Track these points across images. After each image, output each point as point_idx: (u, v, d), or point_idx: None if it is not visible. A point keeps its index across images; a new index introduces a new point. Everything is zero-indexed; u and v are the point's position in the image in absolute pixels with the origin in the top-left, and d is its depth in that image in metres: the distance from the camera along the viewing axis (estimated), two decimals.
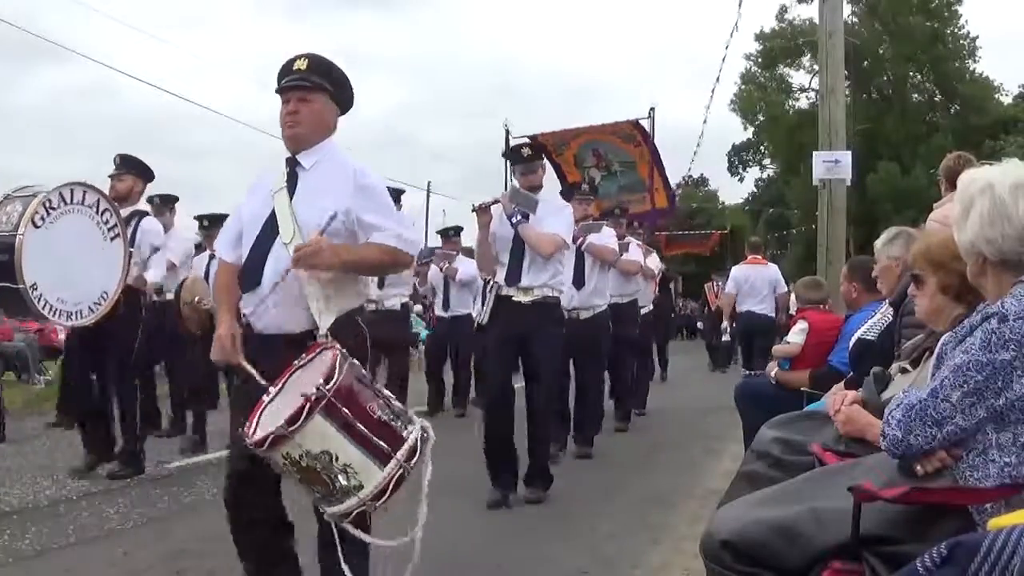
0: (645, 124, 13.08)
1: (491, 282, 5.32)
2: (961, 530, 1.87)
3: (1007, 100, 33.79)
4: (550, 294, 5.05)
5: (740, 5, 13.10)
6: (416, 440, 2.65)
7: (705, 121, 19.63)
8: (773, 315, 9.60)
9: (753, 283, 9.64)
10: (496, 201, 5.09)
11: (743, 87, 35.74)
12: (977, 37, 32.74)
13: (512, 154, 5.61)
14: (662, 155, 13.13)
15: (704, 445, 7.14)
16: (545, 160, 5.50)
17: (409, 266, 3.72)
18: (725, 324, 14.02)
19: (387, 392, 2.77)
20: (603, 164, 13.25)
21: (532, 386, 5.13)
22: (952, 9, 32.37)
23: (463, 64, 73.91)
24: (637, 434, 7.78)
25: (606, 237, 6.86)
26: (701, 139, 18.33)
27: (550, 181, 6.45)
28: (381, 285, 7.46)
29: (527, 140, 11.71)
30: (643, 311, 8.57)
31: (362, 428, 2.54)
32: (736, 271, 10.22)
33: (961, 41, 32.78)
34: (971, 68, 32.97)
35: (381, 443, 2.57)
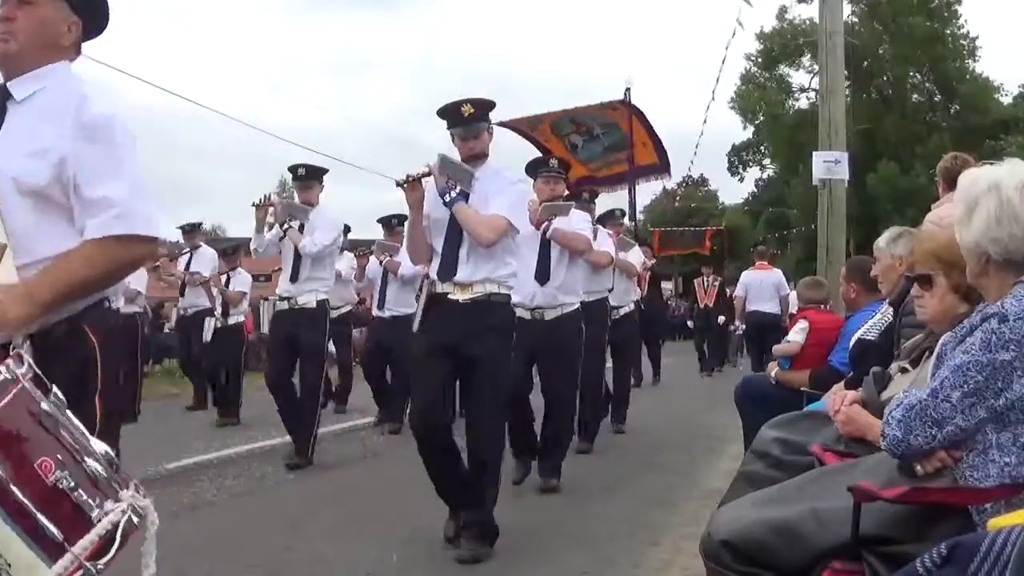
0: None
1: (425, 277, 4.51)
2: (961, 530, 1.87)
3: (1007, 100, 33.79)
4: (495, 291, 4.04)
5: (740, 13, 12.23)
6: (114, 526, 1.75)
7: (705, 121, 19.57)
8: (779, 313, 10.84)
9: (760, 286, 10.85)
10: (428, 173, 4.07)
11: (743, 87, 35.73)
12: (977, 37, 32.75)
13: (448, 114, 4.16)
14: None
15: (704, 445, 7.14)
16: (492, 124, 4.30)
17: (148, 257, 2.66)
18: (723, 319, 14.15)
19: (92, 442, 1.76)
20: (584, 129, 12.26)
21: (470, 413, 4.17)
22: (952, 9, 32.35)
23: (463, 64, 73.89)
24: (637, 434, 7.78)
25: (576, 221, 5.70)
26: (700, 139, 18.17)
27: (512, 152, 5.92)
28: (295, 278, 6.25)
29: (499, 125, 11.43)
30: (622, 311, 7.66)
31: (18, 496, 1.64)
32: (745, 275, 11.53)
33: (961, 41, 32.76)
34: (971, 68, 32.95)
35: (49, 525, 1.66)
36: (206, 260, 9.16)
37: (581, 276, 5.90)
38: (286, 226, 6.25)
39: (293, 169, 6.55)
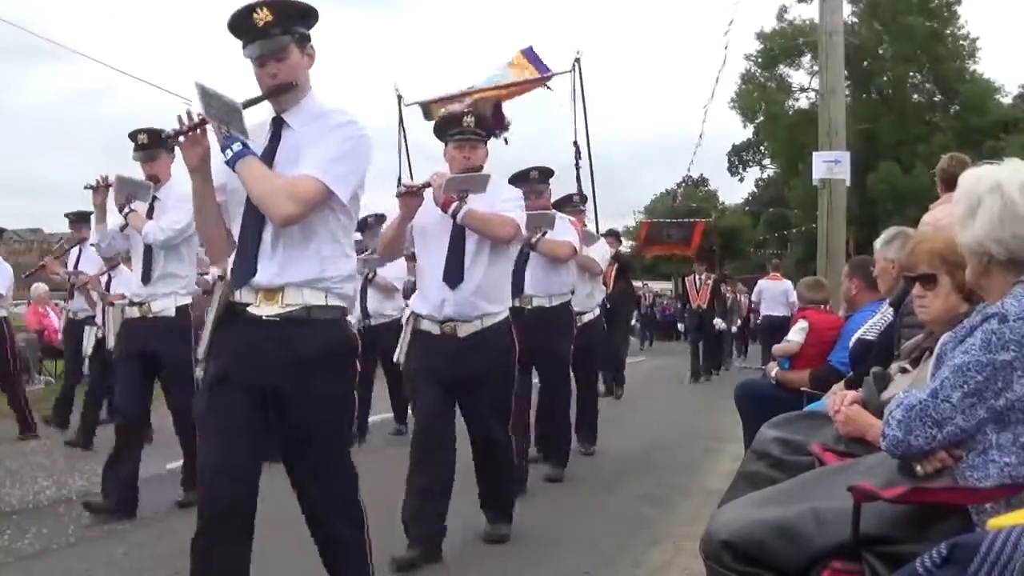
0: (569, 78, 10.25)
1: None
2: (961, 530, 1.87)
3: (1007, 100, 33.82)
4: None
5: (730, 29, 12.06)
6: None
7: (704, 121, 19.60)
8: (789, 316, 11.43)
9: (773, 293, 13.16)
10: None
11: (743, 87, 35.74)
12: (977, 38, 32.80)
13: (237, 29, 2.64)
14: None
15: (704, 445, 7.14)
16: (308, 44, 2.88)
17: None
18: (717, 320, 13.67)
19: None
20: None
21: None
22: (952, 9, 32.38)
23: (463, 64, 73.86)
24: (637, 434, 7.78)
25: (563, 232, 5.53)
26: (700, 139, 18.05)
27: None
28: (147, 277, 4.84)
29: (417, 105, 10.48)
30: (585, 318, 6.43)
31: None
32: (760, 284, 13.94)
33: (961, 41, 32.78)
34: (971, 68, 32.98)
35: None
36: (96, 257, 7.04)
37: (539, 275, 5.44)
38: (126, 210, 4.83)
39: (133, 136, 4.92)
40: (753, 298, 14.61)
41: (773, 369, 5.12)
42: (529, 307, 5.44)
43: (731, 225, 43.68)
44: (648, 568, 3.88)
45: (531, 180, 5.33)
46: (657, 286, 31.80)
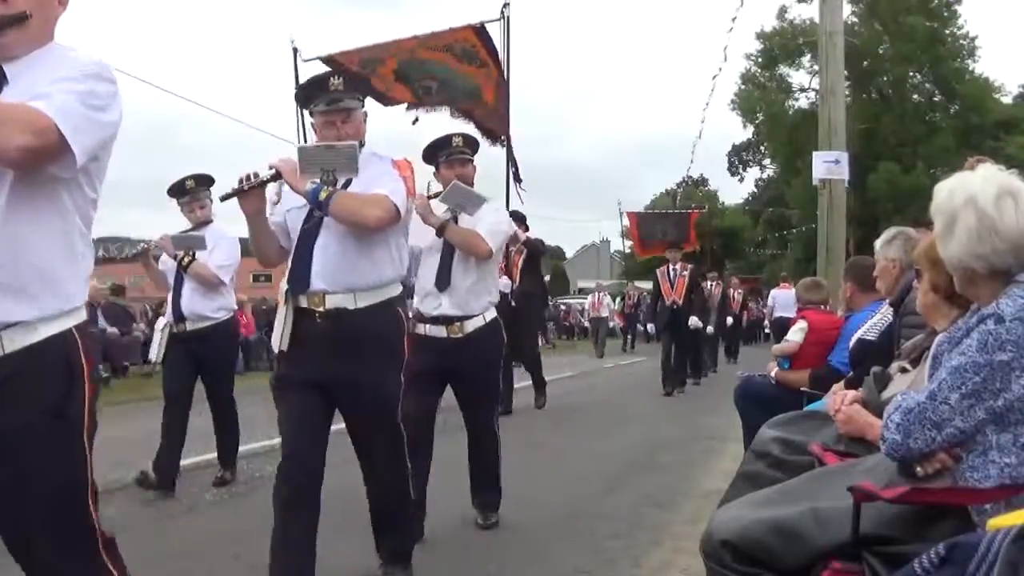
0: (494, 29, 8.55)
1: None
2: (960, 530, 1.87)
3: (1007, 100, 33.84)
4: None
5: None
6: None
7: (703, 121, 19.56)
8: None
9: (783, 301, 14.95)
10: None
11: (743, 87, 35.77)
12: (977, 37, 32.83)
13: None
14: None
15: (704, 445, 7.14)
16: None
17: None
18: (694, 320, 11.52)
19: None
20: (439, 77, 9.17)
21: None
22: (952, 9, 32.41)
23: None
24: (637, 434, 7.79)
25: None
26: (699, 139, 17.89)
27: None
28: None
29: (319, 59, 8.73)
30: (470, 325, 4.44)
31: None
32: (773, 292, 16.56)
33: (961, 41, 32.81)
34: (971, 68, 33.01)
35: None
36: None
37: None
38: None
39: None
40: (768, 303, 17.00)
41: (773, 369, 5.12)
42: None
43: (731, 225, 43.73)
44: (648, 568, 3.87)
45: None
46: (644, 285, 31.34)
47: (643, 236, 19.96)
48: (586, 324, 27.94)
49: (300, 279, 3.17)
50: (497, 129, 8.76)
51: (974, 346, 1.88)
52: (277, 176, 3.23)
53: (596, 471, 6.04)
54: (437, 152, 4.34)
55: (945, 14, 32.25)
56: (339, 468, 4.05)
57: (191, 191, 5.53)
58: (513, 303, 8.03)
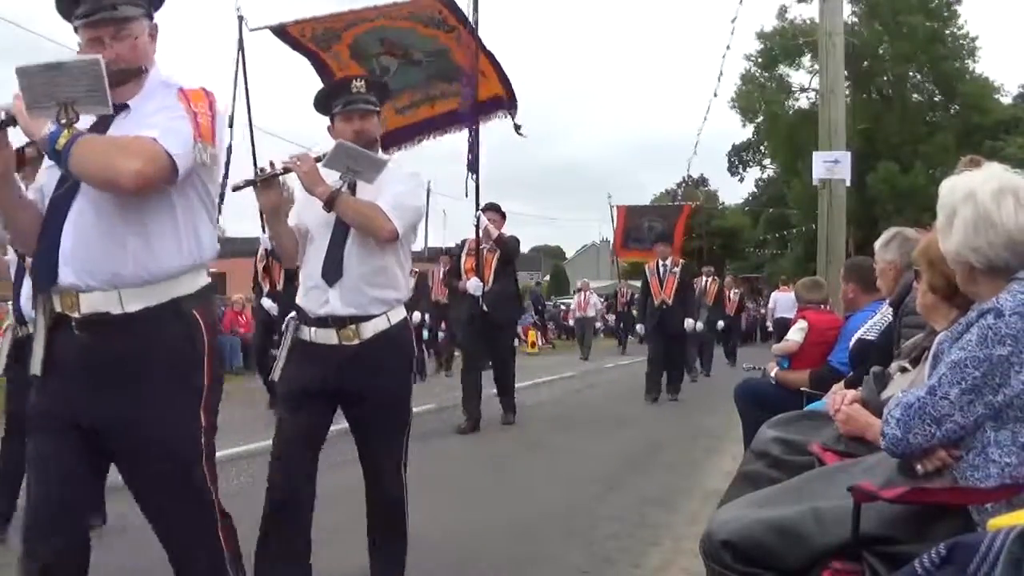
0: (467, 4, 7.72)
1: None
2: (961, 530, 1.87)
3: (1007, 100, 33.87)
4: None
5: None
6: None
7: (705, 120, 19.35)
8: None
9: (784, 304, 16.21)
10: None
11: (743, 87, 35.77)
12: (977, 37, 32.85)
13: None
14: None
15: (704, 445, 7.14)
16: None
17: None
18: (690, 323, 10.71)
19: None
20: (399, 51, 7.89)
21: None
22: (952, 9, 32.42)
23: None
24: (637, 434, 7.78)
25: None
26: (699, 138, 17.40)
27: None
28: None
29: (268, 29, 7.55)
30: (367, 329, 3.49)
31: None
32: (774, 295, 17.87)
33: (961, 41, 32.83)
34: (971, 68, 33.03)
35: None
36: None
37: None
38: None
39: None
40: (770, 304, 18.45)
41: (773, 369, 5.12)
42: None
43: (731, 225, 43.74)
44: (648, 568, 3.88)
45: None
46: (637, 283, 30.99)
47: (628, 233, 17.79)
48: (570, 324, 25.84)
49: (45, 270, 2.21)
50: (496, 92, 7.70)
51: (974, 341, 1.89)
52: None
53: (596, 471, 6.04)
54: (331, 100, 3.34)
55: (945, 14, 32.26)
56: (339, 468, 4.06)
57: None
58: (484, 307, 7.45)
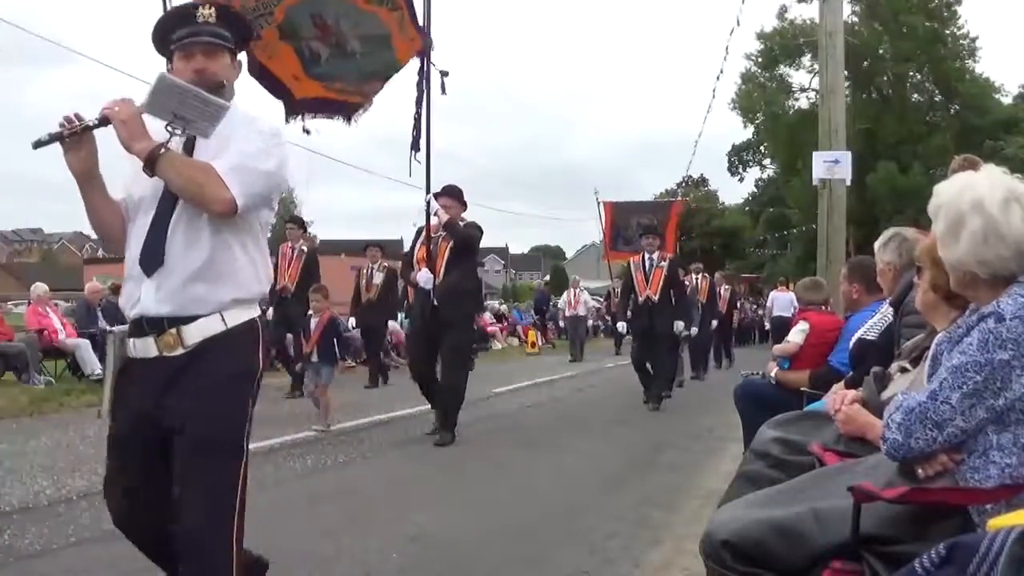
0: None
1: None
2: (961, 530, 1.87)
3: (1007, 100, 33.87)
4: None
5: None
6: None
7: (705, 120, 19.36)
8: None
9: (781, 303, 16.99)
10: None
11: (743, 87, 35.77)
12: (977, 37, 32.88)
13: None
14: None
15: (704, 445, 7.15)
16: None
17: None
18: (679, 325, 9.79)
19: None
20: (332, 39, 6.98)
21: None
22: (952, 9, 32.43)
23: (465, 64, 73.96)
24: (637, 434, 7.78)
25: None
26: (699, 138, 17.37)
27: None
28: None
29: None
30: (190, 334, 2.55)
31: None
32: (772, 294, 18.56)
33: (961, 41, 32.85)
34: (971, 68, 33.04)
35: None
36: None
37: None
38: None
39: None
40: (768, 303, 19.07)
41: (773, 369, 5.12)
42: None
43: (731, 225, 43.75)
44: (648, 568, 3.88)
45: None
46: None
47: (616, 232, 16.40)
48: (561, 323, 24.17)
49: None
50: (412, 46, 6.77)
51: (975, 345, 1.88)
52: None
53: (596, 471, 6.04)
54: (168, 32, 2.54)
55: (945, 14, 32.27)
56: (340, 468, 4.06)
57: None
58: (436, 303, 6.71)
